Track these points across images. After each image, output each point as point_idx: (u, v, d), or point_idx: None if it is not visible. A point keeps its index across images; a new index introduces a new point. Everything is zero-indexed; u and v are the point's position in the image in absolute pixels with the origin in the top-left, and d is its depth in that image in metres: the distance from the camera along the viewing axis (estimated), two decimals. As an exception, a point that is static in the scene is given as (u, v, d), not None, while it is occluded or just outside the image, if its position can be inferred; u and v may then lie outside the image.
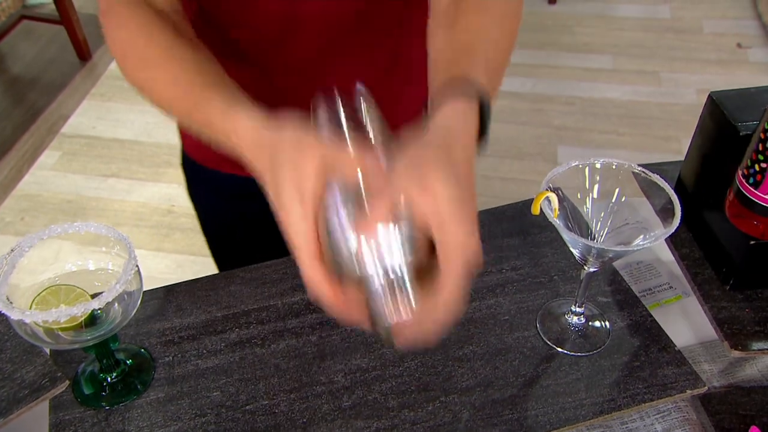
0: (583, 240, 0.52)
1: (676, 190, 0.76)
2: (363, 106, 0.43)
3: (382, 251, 0.39)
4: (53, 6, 2.39)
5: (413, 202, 0.39)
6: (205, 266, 1.82)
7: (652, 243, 0.53)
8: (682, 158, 0.78)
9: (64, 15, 2.39)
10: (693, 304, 0.70)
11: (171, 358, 0.63)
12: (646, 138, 2.16)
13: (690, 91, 2.34)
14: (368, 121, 0.43)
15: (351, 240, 0.39)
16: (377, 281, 0.39)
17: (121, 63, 0.57)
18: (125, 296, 0.54)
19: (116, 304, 0.55)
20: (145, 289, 0.58)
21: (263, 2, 0.62)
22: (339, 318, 0.41)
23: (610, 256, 0.55)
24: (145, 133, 2.24)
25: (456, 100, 0.45)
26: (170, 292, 0.69)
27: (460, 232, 0.39)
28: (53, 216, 1.96)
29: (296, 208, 0.40)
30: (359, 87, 0.44)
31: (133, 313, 0.56)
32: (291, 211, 0.40)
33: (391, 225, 0.39)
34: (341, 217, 0.39)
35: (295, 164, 0.40)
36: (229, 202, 0.85)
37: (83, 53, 2.51)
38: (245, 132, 0.46)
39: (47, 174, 2.10)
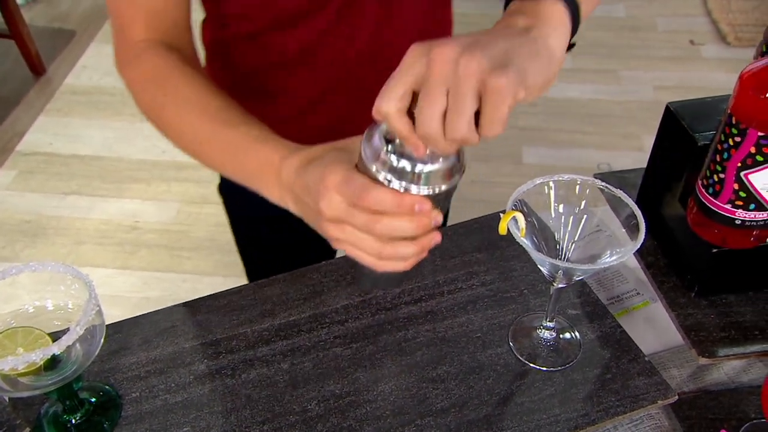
0: (551, 260, 0.52)
1: (640, 198, 0.77)
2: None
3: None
4: (1, 19, 2.31)
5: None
6: (173, 283, 1.81)
7: (618, 260, 0.53)
8: (643, 154, 0.79)
9: (14, 28, 2.31)
10: (660, 310, 0.71)
11: (138, 394, 0.61)
12: (609, 136, 2.19)
13: (647, 88, 2.38)
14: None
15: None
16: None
17: (138, 96, 0.61)
18: (87, 336, 0.52)
19: (78, 345, 0.53)
20: (109, 313, 0.56)
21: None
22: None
23: (578, 274, 0.55)
24: (105, 148, 2.18)
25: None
26: (135, 324, 0.67)
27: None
28: (11, 237, 1.90)
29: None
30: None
31: (96, 353, 0.54)
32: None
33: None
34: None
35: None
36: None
37: (36, 67, 2.44)
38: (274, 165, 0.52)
39: (3, 194, 2.03)
